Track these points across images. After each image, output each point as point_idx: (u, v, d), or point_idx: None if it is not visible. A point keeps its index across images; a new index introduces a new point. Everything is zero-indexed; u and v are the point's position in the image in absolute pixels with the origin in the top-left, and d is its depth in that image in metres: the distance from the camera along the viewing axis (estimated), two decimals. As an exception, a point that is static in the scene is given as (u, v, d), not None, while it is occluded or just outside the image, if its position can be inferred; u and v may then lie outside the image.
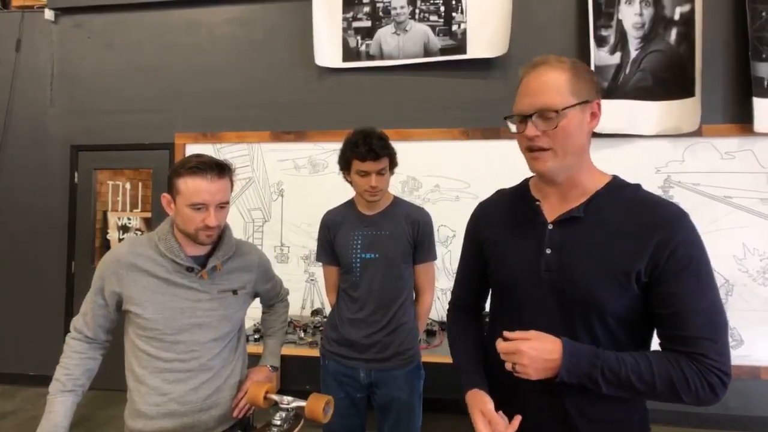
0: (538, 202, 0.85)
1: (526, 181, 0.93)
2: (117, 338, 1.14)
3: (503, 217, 0.91)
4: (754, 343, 2.56)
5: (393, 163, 1.43)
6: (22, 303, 3.28)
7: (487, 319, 0.98)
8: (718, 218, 2.61)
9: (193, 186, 0.99)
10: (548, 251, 0.80)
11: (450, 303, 1.06)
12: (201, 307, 1.07)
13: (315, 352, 2.35)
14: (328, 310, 2.80)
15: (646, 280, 0.74)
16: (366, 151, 1.34)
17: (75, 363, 1.03)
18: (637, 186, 0.81)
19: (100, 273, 1.06)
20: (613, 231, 0.76)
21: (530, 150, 0.79)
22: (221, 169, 1.03)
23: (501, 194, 0.98)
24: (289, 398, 1.03)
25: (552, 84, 0.76)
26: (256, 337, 2.39)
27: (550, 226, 0.82)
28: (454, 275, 1.07)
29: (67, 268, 3.26)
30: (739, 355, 2.55)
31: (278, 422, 1.00)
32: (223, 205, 1.04)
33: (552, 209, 0.83)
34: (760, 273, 2.57)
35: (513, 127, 0.81)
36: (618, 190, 0.80)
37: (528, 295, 0.83)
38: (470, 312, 1.03)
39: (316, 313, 2.76)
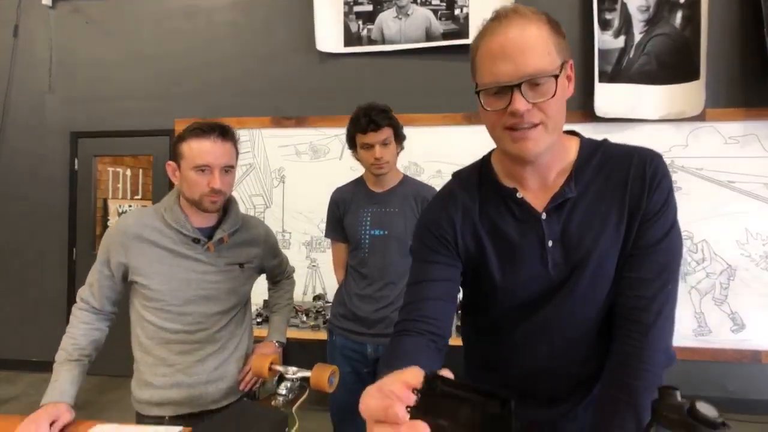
0: (520, 196, 0.72)
1: (485, 167, 0.77)
2: (119, 324, 1.13)
3: (478, 218, 0.75)
4: (755, 327, 2.56)
5: (399, 136, 1.43)
6: (24, 290, 3.28)
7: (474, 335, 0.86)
8: (721, 203, 2.60)
9: (197, 148, 0.99)
10: (550, 243, 0.71)
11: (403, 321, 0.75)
12: (207, 280, 1.07)
13: (317, 335, 2.36)
14: (330, 295, 2.82)
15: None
16: (366, 122, 1.34)
17: (81, 333, 1.02)
18: (604, 141, 0.74)
19: (106, 244, 1.05)
20: (603, 200, 0.70)
21: (513, 129, 0.64)
22: (225, 132, 1.02)
23: (462, 185, 0.78)
24: (294, 369, 1.03)
25: (538, 41, 0.61)
26: (258, 320, 2.39)
27: (543, 216, 0.71)
28: None
29: (69, 254, 3.26)
30: (741, 339, 2.56)
31: (284, 392, 1.00)
32: (228, 169, 1.03)
33: (534, 195, 0.72)
34: (763, 257, 2.57)
35: (489, 104, 0.64)
36: (593, 154, 0.72)
37: (533, 298, 0.73)
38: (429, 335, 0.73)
39: (318, 298, 2.77)
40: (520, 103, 0.61)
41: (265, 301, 2.46)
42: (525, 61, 0.60)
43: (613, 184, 0.70)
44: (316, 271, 2.93)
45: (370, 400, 0.37)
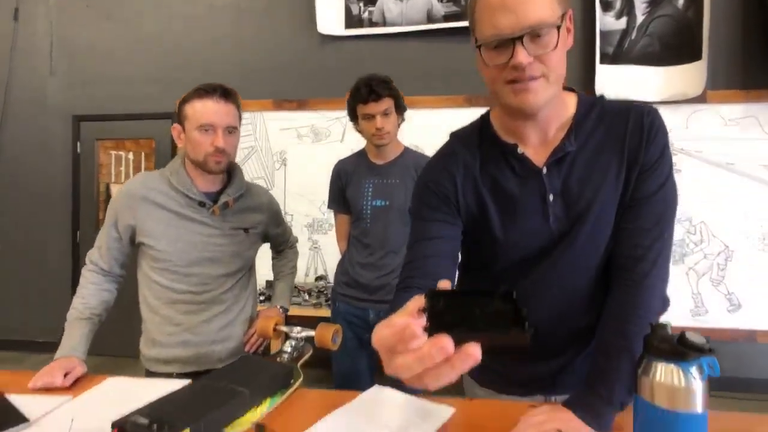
0: (521, 151, 0.73)
1: (485, 125, 0.78)
2: (121, 307, 1.16)
3: (479, 174, 0.75)
4: (751, 307, 2.59)
5: (399, 107, 1.45)
6: (29, 273, 3.31)
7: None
8: (720, 185, 2.61)
9: (200, 107, 1.02)
10: (551, 198, 0.72)
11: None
12: (212, 242, 1.09)
13: (319, 312, 2.39)
14: (331, 276, 2.85)
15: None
16: (367, 93, 1.36)
17: (91, 293, 1.05)
18: (601, 96, 0.76)
19: (114, 207, 1.08)
20: (602, 152, 0.71)
21: (516, 81, 0.64)
22: (227, 93, 1.05)
23: (462, 143, 0.79)
24: (299, 328, 1.06)
25: None
26: (261, 299, 2.43)
27: (544, 170, 0.72)
28: None
29: (72, 238, 3.28)
30: (737, 319, 2.60)
31: (288, 350, 1.03)
32: (231, 130, 1.06)
33: (535, 151, 0.73)
34: (761, 239, 2.59)
35: (490, 58, 0.63)
36: (591, 109, 0.73)
37: (533, 253, 0.74)
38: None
39: (319, 278, 2.80)
40: (522, 55, 0.61)
41: (268, 281, 2.49)
42: (526, 12, 0.60)
43: (612, 137, 0.71)
44: (317, 253, 2.96)
45: (383, 331, 0.36)
